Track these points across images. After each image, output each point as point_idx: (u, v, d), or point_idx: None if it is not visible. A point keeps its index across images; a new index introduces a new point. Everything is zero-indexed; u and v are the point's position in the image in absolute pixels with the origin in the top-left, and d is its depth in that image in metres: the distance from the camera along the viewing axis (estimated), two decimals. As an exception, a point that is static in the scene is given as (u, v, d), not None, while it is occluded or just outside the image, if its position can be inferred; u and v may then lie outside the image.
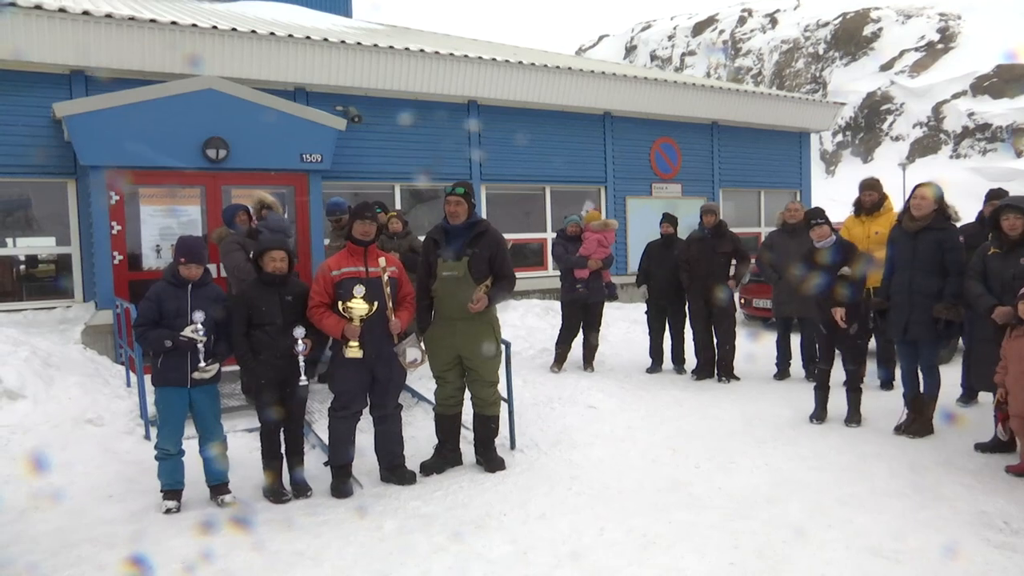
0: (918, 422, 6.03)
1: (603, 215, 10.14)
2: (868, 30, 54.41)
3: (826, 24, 57.00)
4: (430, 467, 5.33)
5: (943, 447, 5.71)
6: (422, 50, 11.61)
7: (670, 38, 65.83)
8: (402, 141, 11.65)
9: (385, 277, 4.99)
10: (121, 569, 3.94)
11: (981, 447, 5.59)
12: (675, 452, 5.71)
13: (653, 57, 63.81)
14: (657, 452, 5.71)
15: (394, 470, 5.15)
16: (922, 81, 45.90)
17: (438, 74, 11.73)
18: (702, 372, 8.23)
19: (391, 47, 11.27)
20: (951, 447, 5.69)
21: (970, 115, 40.60)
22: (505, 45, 18.24)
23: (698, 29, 64.86)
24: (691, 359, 8.46)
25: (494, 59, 12.25)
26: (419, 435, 5.74)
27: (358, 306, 4.82)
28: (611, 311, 9.38)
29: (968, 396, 6.87)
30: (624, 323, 10.29)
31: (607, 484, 5.03)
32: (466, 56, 12.00)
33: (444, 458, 5.41)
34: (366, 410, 5.14)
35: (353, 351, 4.83)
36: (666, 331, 8.65)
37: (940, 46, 49.79)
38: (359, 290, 4.84)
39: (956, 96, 42.29)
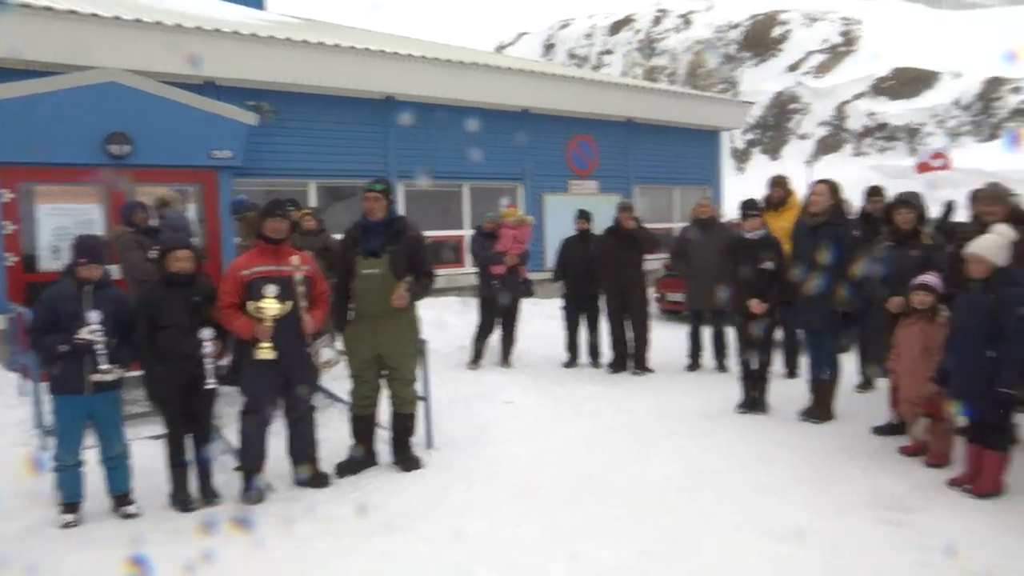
0: (820, 409, 6.29)
1: (520, 212, 10.19)
2: (776, 32, 56.35)
3: (737, 26, 58.74)
4: (345, 468, 5.26)
5: (843, 432, 5.97)
6: (337, 44, 11.41)
7: (588, 36, 66.67)
8: (317, 137, 11.42)
9: (298, 276, 4.89)
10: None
11: (877, 430, 5.89)
12: (591, 446, 5.80)
13: (572, 55, 64.47)
14: (574, 447, 5.79)
15: (308, 473, 5.06)
16: (826, 82, 47.81)
17: (354, 69, 11.54)
18: (617, 366, 8.38)
19: (305, 41, 11.03)
20: (851, 432, 5.97)
21: (870, 115, 42.57)
22: (424, 41, 18.12)
23: (615, 28, 65.87)
24: (607, 353, 8.61)
25: (411, 55, 12.15)
26: (334, 436, 5.66)
27: (270, 306, 4.71)
28: (528, 307, 9.45)
29: (865, 383, 7.21)
30: (541, 319, 10.39)
31: (524, 480, 5.07)
32: (383, 51, 11.86)
33: (360, 459, 5.34)
34: (279, 412, 5.03)
35: (265, 352, 4.72)
36: (582, 326, 8.77)
37: (843, 49, 51.96)
38: (271, 290, 4.73)
39: (858, 97, 44.25)
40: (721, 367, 8.22)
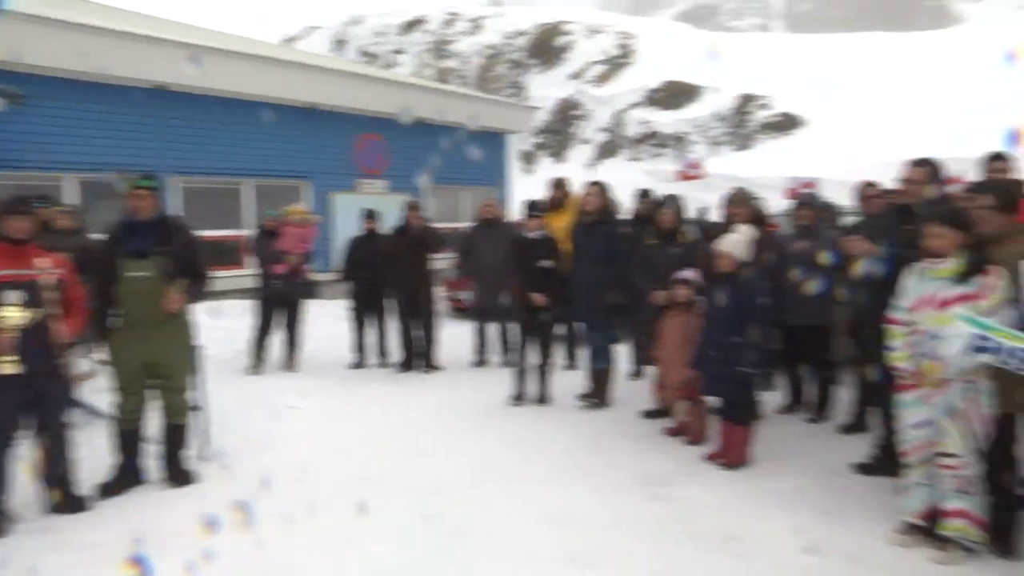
0: (598, 396, 6.70)
1: (307, 211, 9.86)
2: (560, 41, 59.18)
3: (524, 33, 60.94)
4: (109, 489, 4.82)
5: (617, 418, 6.39)
6: (101, 26, 10.42)
7: (380, 35, 66.03)
8: (77, 127, 10.38)
9: (46, 280, 4.41)
10: None
11: (646, 414, 6.36)
12: (378, 446, 5.75)
13: (363, 53, 63.55)
14: (360, 448, 5.71)
15: (63, 497, 4.58)
16: (606, 91, 51.02)
17: (121, 54, 10.60)
18: (406, 365, 8.39)
19: (62, 20, 9.96)
20: (624, 417, 6.39)
21: (644, 123, 46.02)
22: (202, 29, 17.02)
23: (407, 28, 65.81)
24: (396, 353, 8.59)
25: (187, 42, 11.38)
26: (94, 455, 5.16)
27: (11, 315, 4.21)
28: (315, 308, 9.20)
29: (637, 370, 7.76)
30: (329, 320, 10.15)
31: (305, 484, 4.92)
32: (154, 37, 11.00)
33: (125, 477, 4.92)
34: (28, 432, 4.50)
35: (7, 366, 4.21)
36: (370, 326, 8.69)
37: (620, 61, 55.64)
38: (12, 296, 4.22)
39: (633, 106, 47.64)
40: (507, 362, 8.48)
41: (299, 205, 9.62)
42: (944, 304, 3.70)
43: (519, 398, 6.92)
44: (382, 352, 8.71)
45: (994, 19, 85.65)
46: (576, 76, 55.03)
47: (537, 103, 36.81)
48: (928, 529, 3.91)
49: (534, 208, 6.93)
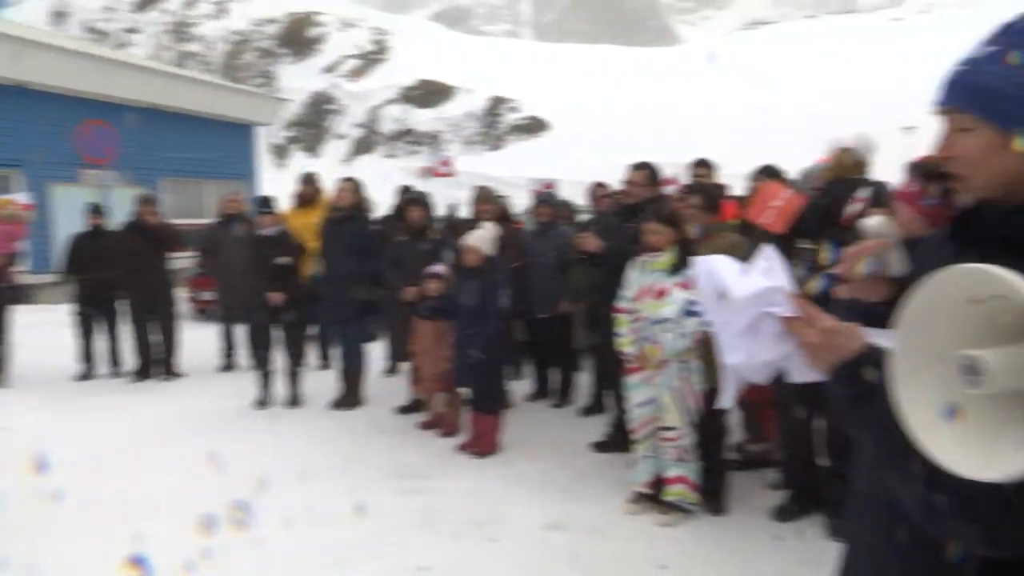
0: (351, 396, 6.61)
1: (18, 203, 8.62)
2: (313, 33, 57.54)
3: (275, 21, 58.47)
4: None
5: (372, 415, 6.35)
6: None
7: (109, 10, 59.92)
8: None
9: None
10: None
11: (401, 410, 6.40)
12: (98, 464, 5.19)
13: (90, 29, 57.25)
14: (79, 468, 5.11)
15: None
16: (361, 86, 50.52)
17: None
18: (142, 373, 7.70)
19: None
20: (378, 414, 6.37)
21: (399, 121, 46.23)
22: None
23: (142, 6, 60.34)
24: (130, 360, 7.85)
25: None
26: None
27: None
28: (28, 314, 8.15)
29: (393, 367, 7.78)
30: (50, 326, 9.04)
31: (9, 519, 4.33)
32: None
33: None
34: None
35: None
36: (99, 332, 7.86)
37: (375, 56, 55.32)
38: None
39: (389, 103, 47.64)
40: (257, 365, 8.09)
41: (8, 197, 8.42)
42: (661, 293, 4.10)
43: (264, 402, 6.64)
44: (114, 360, 7.91)
45: (707, 40, 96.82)
46: (330, 69, 53.86)
47: (289, 95, 35.53)
48: (654, 496, 4.32)
49: (265, 204, 6.68)
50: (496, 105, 45.66)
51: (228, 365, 8.20)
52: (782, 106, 44.09)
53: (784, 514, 4.16)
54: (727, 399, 1.43)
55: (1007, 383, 0.72)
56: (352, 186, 6.48)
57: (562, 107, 44.98)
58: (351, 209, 6.39)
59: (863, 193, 3.12)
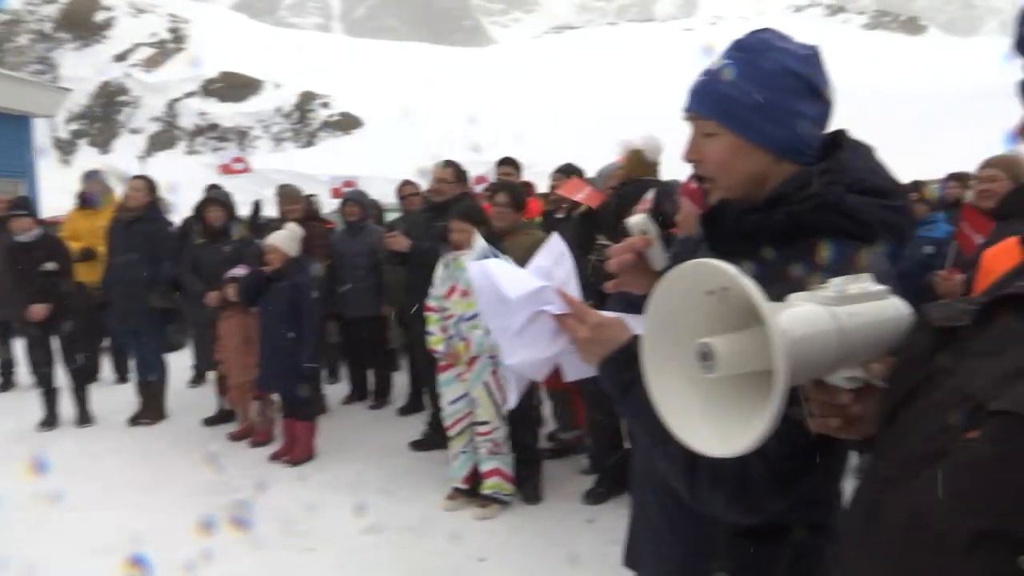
0: (151, 410, 6.18)
1: None
2: (100, 17, 52.92)
3: (52, 2, 53.20)
4: None
5: (176, 429, 6.00)
6: None
7: None
8: None
9: None
10: None
11: (208, 421, 6.07)
12: None
13: None
14: None
15: None
16: (157, 77, 47.18)
17: None
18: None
19: None
20: (183, 428, 6.02)
21: (202, 115, 43.63)
22: None
23: None
24: None
25: None
26: None
27: None
28: None
29: (198, 377, 7.35)
30: None
31: None
32: None
33: None
34: None
35: None
36: None
37: (172, 45, 51.85)
38: None
39: (189, 95, 44.83)
40: (39, 382, 7.34)
41: None
42: (466, 292, 4.17)
43: (50, 423, 6.05)
44: None
45: (519, 42, 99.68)
46: (121, 58, 49.79)
47: (72, 84, 32.44)
48: (472, 491, 4.40)
49: (20, 206, 6.02)
50: (307, 101, 44.32)
51: (6, 384, 7.38)
52: (584, 107, 46.35)
53: (594, 497, 4.38)
54: (512, 400, 1.49)
55: (733, 367, 0.81)
56: (144, 185, 6.04)
57: (375, 104, 44.47)
58: (143, 210, 5.95)
59: (649, 194, 3.34)
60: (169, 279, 5.92)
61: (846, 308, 0.85)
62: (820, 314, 0.83)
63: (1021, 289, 0.76)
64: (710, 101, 1.24)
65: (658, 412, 0.88)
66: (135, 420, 6.12)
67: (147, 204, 5.98)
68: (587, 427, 4.84)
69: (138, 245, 5.85)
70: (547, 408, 5.45)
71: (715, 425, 0.85)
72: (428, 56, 60.40)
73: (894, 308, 0.91)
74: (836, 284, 0.88)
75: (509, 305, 1.28)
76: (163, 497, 4.63)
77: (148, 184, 6.11)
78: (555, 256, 1.38)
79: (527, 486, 4.46)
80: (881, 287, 0.91)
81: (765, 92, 1.19)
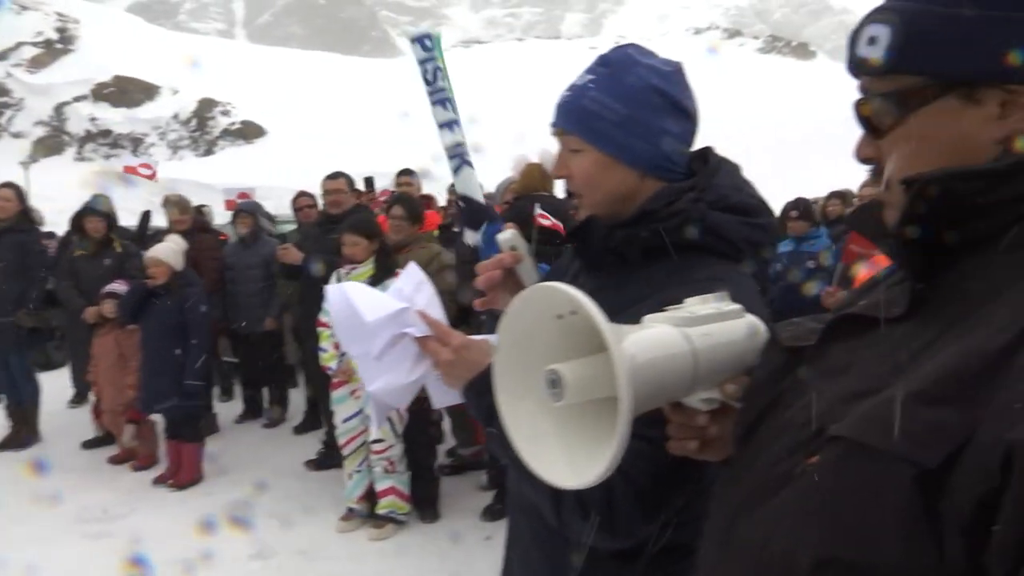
0: (22, 433, 5.78)
1: None
2: (-23, 14, 49.80)
3: (-77, -4, 49.83)
4: None
5: (51, 453, 5.61)
6: None
7: None
8: None
9: None
10: None
11: (86, 444, 5.72)
12: None
13: None
14: None
15: None
16: (43, 79, 44.69)
17: None
18: None
19: None
20: (59, 452, 5.65)
21: (92, 120, 41.54)
22: None
23: None
24: None
25: None
26: None
27: None
28: None
29: (79, 396, 6.92)
30: None
31: None
32: None
33: None
34: None
35: None
36: None
37: (60, 46, 49.25)
38: None
39: (78, 99, 42.62)
40: None
41: None
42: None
43: None
44: None
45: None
46: (2, 57, 46.92)
47: (-54, 85, 30.33)
48: (367, 511, 4.28)
49: None
50: (207, 108, 42.86)
51: None
52: (490, 122, 46.62)
53: (492, 514, 4.33)
54: (375, 429, 1.44)
55: (582, 393, 0.77)
56: (12, 194, 5.64)
57: (278, 113, 43.44)
58: (12, 220, 5.56)
59: (540, 208, 3.34)
60: (42, 295, 5.54)
61: (699, 328, 0.83)
62: (672, 336, 0.80)
63: (861, 309, 0.76)
64: (575, 116, 1.22)
65: (511, 440, 0.84)
66: (5, 444, 5.69)
67: (17, 214, 5.59)
68: (486, 443, 4.79)
69: (6, 258, 5.46)
70: (447, 424, 5.38)
71: (570, 454, 0.82)
72: (334, 65, 59.54)
73: (748, 327, 0.90)
74: (690, 304, 0.86)
75: (367, 328, 1.22)
76: (35, 527, 4.31)
77: (16, 193, 5.72)
78: (415, 283, 1.32)
79: (424, 504, 4.37)
80: (735, 306, 0.90)
81: (629, 108, 1.17)
